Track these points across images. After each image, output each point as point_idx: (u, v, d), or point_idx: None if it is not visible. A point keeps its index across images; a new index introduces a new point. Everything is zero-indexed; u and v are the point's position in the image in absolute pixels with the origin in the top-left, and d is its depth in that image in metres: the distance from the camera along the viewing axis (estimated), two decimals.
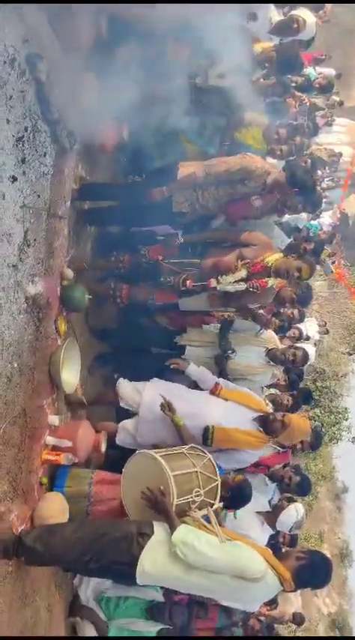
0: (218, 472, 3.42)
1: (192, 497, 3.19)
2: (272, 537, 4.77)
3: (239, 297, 4.16)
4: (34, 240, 3.34)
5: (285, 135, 5.17)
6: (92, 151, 4.45)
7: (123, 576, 3.07)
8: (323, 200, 8.54)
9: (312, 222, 7.57)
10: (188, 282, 4.10)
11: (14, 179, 3.06)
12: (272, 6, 5.42)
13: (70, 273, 3.94)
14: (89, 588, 3.92)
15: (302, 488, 4.93)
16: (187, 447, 3.50)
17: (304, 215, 6.29)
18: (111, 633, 3.88)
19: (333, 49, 9.60)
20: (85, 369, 4.32)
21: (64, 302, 3.91)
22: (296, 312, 5.37)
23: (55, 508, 3.39)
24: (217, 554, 2.86)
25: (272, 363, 4.92)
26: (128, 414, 4.19)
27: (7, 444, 3.02)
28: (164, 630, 4.05)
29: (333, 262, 9.68)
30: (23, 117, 3.18)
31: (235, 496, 3.63)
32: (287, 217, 5.47)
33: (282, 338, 5.77)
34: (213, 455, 3.68)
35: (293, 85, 6.29)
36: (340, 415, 10.91)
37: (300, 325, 6.75)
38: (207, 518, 3.09)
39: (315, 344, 8.61)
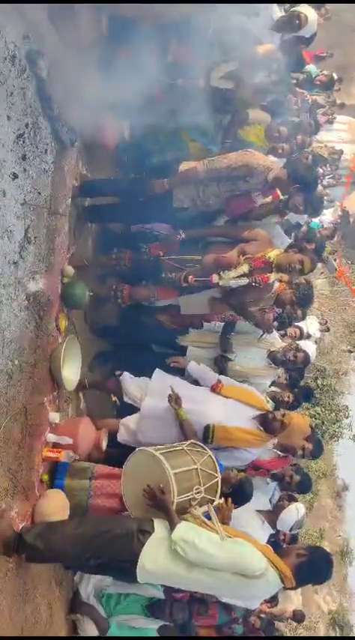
0: (218, 469, 3.42)
1: (192, 495, 3.19)
2: (272, 536, 4.77)
3: (241, 293, 4.15)
4: (35, 237, 3.34)
5: (286, 133, 5.16)
6: (93, 148, 4.45)
7: (124, 573, 3.07)
8: (325, 198, 8.56)
9: (314, 220, 7.56)
10: (190, 277, 4.09)
11: (15, 176, 3.06)
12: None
13: (70, 270, 3.94)
14: (90, 585, 3.92)
15: (302, 486, 4.93)
16: (187, 443, 3.50)
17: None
18: (112, 630, 3.88)
19: (334, 46, 9.59)
20: (85, 367, 4.32)
21: (65, 299, 3.92)
22: (299, 312, 5.36)
23: (55, 505, 3.39)
24: (218, 552, 2.86)
25: (273, 365, 4.92)
26: (129, 411, 4.20)
27: (7, 441, 3.02)
28: (164, 627, 4.06)
29: (335, 260, 9.68)
30: (24, 114, 3.17)
31: (236, 493, 3.63)
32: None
33: (283, 336, 5.77)
34: (213, 452, 3.69)
35: (295, 82, 6.29)
36: (341, 413, 10.91)
37: (301, 323, 6.75)
38: (207, 516, 3.09)
39: (316, 342, 8.60)
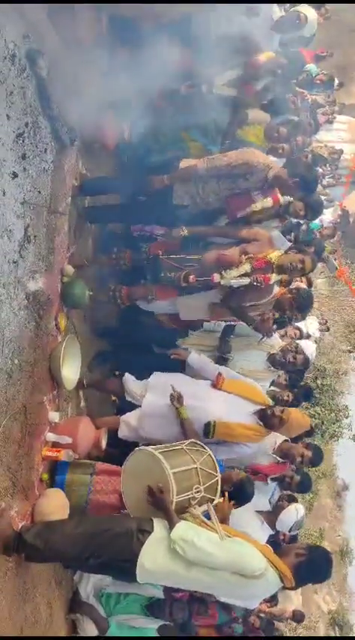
0: (218, 468, 3.42)
1: (192, 494, 3.19)
2: (272, 537, 4.77)
3: (241, 294, 4.16)
4: (35, 236, 3.34)
5: (286, 133, 5.16)
6: (93, 147, 4.45)
7: (124, 573, 3.07)
8: (324, 198, 8.56)
9: (314, 220, 7.55)
10: (191, 277, 4.09)
11: (15, 175, 3.06)
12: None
13: (70, 269, 3.94)
14: (89, 584, 3.92)
15: (302, 486, 4.93)
16: (187, 442, 3.50)
17: None
18: (111, 630, 3.89)
19: (334, 46, 9.59)
20: (85, 366, 4.32)
21: (65, 298, 3.92)
22: (299, 315, 5.36)
23: (55, 504, 3.39)
24: (217, 551, 2.86)
25: (272, 368, 4.92)
26: (129, 410, 4.20)
27: (7, 441, 3.02)
28: (164, 627, 4.06)
29: (335, 259, 9.68)
30: (23, 113, 3.18)
31: (237, 493, 3.63)
32: None
33: (282, 337, 5.77)
34: (213, 446, 3.70)
35: (294, 81, 6.29)
36: (340, 413, 10.90)
37: (301, 323, 6.74)
38: (207, 515, 3.09)
39: (316, 341, 8.60)
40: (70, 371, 3.86)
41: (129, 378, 4.27)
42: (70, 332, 4.05)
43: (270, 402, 4.24)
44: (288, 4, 5.74)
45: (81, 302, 4.02)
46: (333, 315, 12.15)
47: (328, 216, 9.24)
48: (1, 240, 2.95)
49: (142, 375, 4.28)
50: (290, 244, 5.09)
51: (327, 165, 8.25)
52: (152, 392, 4.09)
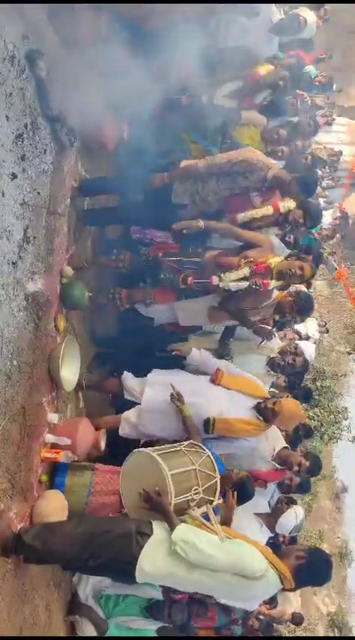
0: (217, 469, 3.42)
1: (190, 496, 3.18)
2: (271, 539, 4.76)
3: (239, 297, 4.16)
4: (34, 237, 3.34)
5: (285, 135, 5.16)
6: (92, 148, 4.45)
7: (123, 575, 3.06)
8: (324, 200, 8.58)
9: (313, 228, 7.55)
10: (189, 279, 4.10)
11: (14, 176, 3.06)
12: (273, 4, 5.41)
13: (69, 270, 3.94)
14: (88, 586, 3.92)
15: (302, 488, 4.93)
16: (186, 443, 3.51)
17: None
18: (110, 631, 3.88)
19: (333, 49, 9.61)
20: (84, 367, 4.32)
21: (64, 300, 3.92)
22: (299, 318, 5.37)
23: (54, 506, 3.39)
24: (217, 553, 2.86)
25: (272, 372, 4.92)
26: (128, 407, 4.21)
27: (6, 442, 3.01)
28: (163, 628, 4.05)
29: (334, 261, 9.69)
30: (23, 114, 3.17)
31: (238, 492, 3.64)
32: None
33: (282, 338, 5.77)
34: (214, 441, 3.70)
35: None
36: (340, 415, 10.89)
37: (300, 325, 6.75)
38: (206, 517, 3.09)
39: (315, 343, 8.61)
40: (69, 372, 3.86)
41: (127, 376, 4.29)
42: (69, 333, 4.05)
43: (268, 395, 4.27)
44: (288, 7, 5.75)
45: (80, 303, 4.02)
46: (332, 317, 12.15)
47: (327, 218, 9.26)
48: (1, 241, 2.95)
49: (142, 374, 4.29)
50: (289, 251, 5.10)
51: (326, 167, 8.27)
52: (151, 387, 4.11)
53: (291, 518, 4.75)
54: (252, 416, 4.05)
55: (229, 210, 4.34)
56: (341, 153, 8.74)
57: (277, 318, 4.82)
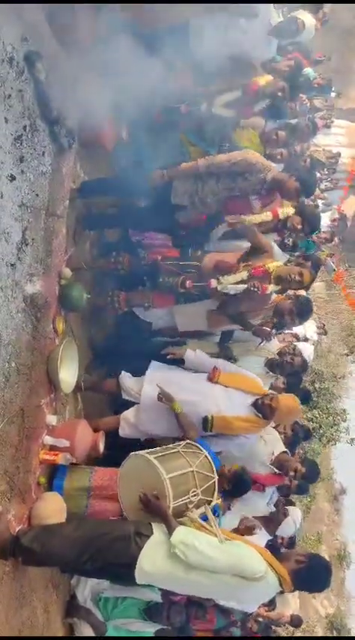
0: (215, 469, 3.42)
1: (189, 498, 3.18)
2: (270, 541, 4.77)
3: (237, 301, 4.16)
4: (33, 239, 3.34)
5: (284, 137, 5.16)
6: (91, 150, 4.44)
7: (121, 577, 3.06)
8: (322, 202, 8.57)
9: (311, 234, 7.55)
10: (188, 282, 4.11)
11: (13, 178, 3.05)
12: (271, 7, 5.43)
13: (68, 272, 3.93)
14: (87, 588, 3.91)
15: (301, 490, 4.94)
16: (183, 444, 3.51)
17: None
18: (109, 634, 3.88)
19: (331, 50, 9.62)
20: (82, 369, 4.31)
21: (62, 301, 3.91)
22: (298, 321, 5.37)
23: (52, 508, 3.38)
24: (217, 554, 2.86)
25: (270, 373, 4.92)
26: (126, 408, 4.20)
27: (4, 444, 3.01)
28: (162, 631, 4.04)
29: (333, 262, 9.68)
30: (22, 116, 3.17)
31: (235, 486, 3.64)
32: None
33: (281, 341, 5.77)
34: (212, 439, 3.69)
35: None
36: (338, 417, 10.90)
37: (299, 327, 6.73)
38: (205, 518, 3.09)
39: (313, 344, 8.60)
40: (68, 374, 3.86)
41: (125, 376, 4.29)
42: (68, 335, 4.04)
43: (266, 391, 4.27)
44: (286, 9, 5.77)
45: (78, 305, 4.02)
46: (331, 319, 12.15)
47: (326, 220, 9.26)
48: None
49: (139, 375, 4.29)
50: (288, 257, 5.11)
51: (325, 169, 8.27)
52: (149, 384, 4.11)
53: (290, 526, 4.81)
54: (251, 413, 4.06)
55: (228, 212, 4.34)
56: (339, 155, 8.73)
57: (276, 320, 4.81)
